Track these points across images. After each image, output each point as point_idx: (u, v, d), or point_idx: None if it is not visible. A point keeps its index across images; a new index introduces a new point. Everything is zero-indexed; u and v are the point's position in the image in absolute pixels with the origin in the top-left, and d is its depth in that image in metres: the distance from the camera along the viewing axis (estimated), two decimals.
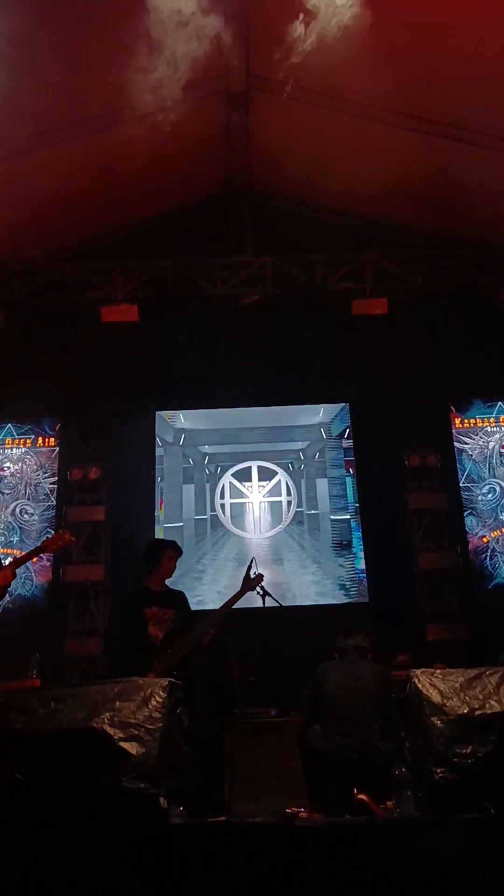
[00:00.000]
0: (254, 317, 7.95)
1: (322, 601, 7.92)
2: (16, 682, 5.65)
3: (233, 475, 8.69)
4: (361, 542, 8.17)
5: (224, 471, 8.67)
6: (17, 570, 7.53)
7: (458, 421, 8.34)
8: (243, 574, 5.03)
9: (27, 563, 7.66)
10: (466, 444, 8.26)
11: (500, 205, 7.00)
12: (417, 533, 7.98)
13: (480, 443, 8.26)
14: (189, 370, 8.06)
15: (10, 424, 8.31)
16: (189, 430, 8.75)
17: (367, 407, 8.29)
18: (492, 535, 7.95)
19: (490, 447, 8.24)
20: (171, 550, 4.99)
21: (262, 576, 4.99)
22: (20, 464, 8.21)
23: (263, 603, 5.22)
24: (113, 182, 7.29)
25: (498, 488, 8.09)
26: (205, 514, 8.47)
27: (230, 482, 8.66)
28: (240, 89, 6.94)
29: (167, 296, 7.86)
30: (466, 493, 8.10)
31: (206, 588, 7.97)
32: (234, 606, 4.84)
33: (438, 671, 3.50)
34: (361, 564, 8.08)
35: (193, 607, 5.18)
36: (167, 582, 4.99)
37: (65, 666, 7.32)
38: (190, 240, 8.24)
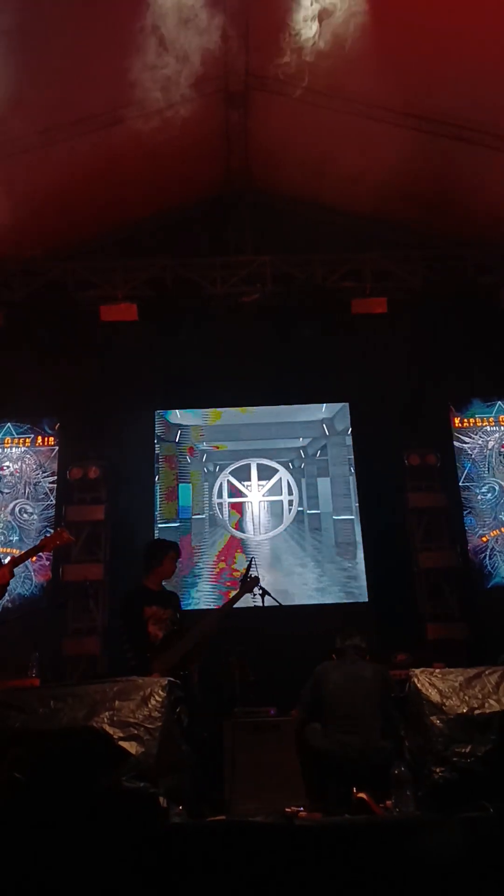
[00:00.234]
0: (253, 316, 7.95)
1: (321, 600, 7.92)
2: (15, 682, 5.65)
3: (231, 473, 8.61)
4: (361, 542, 8.16)
5: (222, 469, 8.58)
6: (17, 570, 7.60)
7: (457, 420, 8.34)
8: (243, 574, 5.04)
9: (27, 563, 7.68)
10: (466, 443, 8.26)
11: (500, 205, 7.00)
12: (417, 532, 7.98)
13: (480, 442, 8.26)
14: (188, 369, 8.06)
15: (9, 424, 8.31)
16: (186, 427, 8.67)
17: (367, 406, 8.29)
18: (491, 534, 7.95)
19: (490, 446, 8.24)
20: (173, 551, 5.01)
21: (259, 578, 4.99)
22: (20, 463, 8.20)
23: (262, 602, 5.23)
24: (113, 182, 7.29)
25: (497, 487, 8.09)
26: (203, 514, 8.39)
27: (228, 480, 8.59)
28: (239, 89, 6.93)
29: (167, 295, 7.87)
30: (466, 492, 8.10)
31: (205, 590, 7.93)
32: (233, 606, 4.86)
33: (438, 670, 3.50)
34: (362, 564, 8.06)
35: (191, 607, 5.19)
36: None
37: (64, 665, 7.33)
38: (189, 239, 8.24)
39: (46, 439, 8.30)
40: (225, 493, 8.61)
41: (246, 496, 8.52)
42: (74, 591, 7.75)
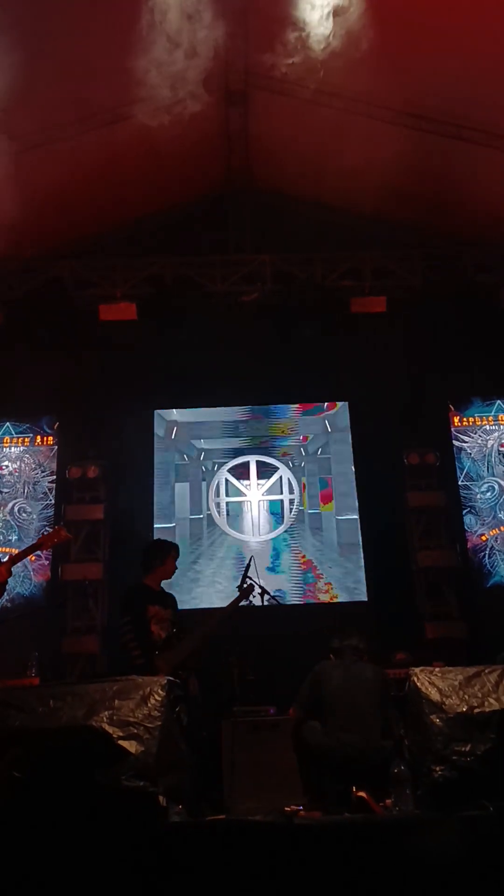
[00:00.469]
0: (253, 315, 7.95)
1: (321, 600, 7.91)
2: (15, 681, 5.65)
3: (229, 471, 8.45)
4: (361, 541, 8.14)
5: (220, 467, 8.41)
6: (16, 569, 7.59)
7: (456, 419, 8.34)
8: (242, 576, 5.06)
9: (26, 562, 7.69)
10: (465, 442, 8.26)
11: (499, 204, 7.00)
12: (416, 531, 7.97)
13: (479, 441, 8.26)
14: (188, 368, 8.05)
15: (8, 423, 8.30)
16: (182, 423, 8.54)
17: (366, 405, 8.29)
18: (490, 533, 7.95)
19: (489, 445, 8.24)
20: (175, 552, 5.03)
21: (254, 585, 5.00)
22: (18, 462, 8.20)
23: (262, 601, 5.23)
24: (113, 180, 7.29)
25: (497, 486, 8.09)
26: (200, 514, 8.27)
27: (226, 479, 8.44)
28: (239, 87, 6.93)
29: (166, 294, 7.86)
30: (465, 491, 8.10)
31: (203, 591, 7.84)
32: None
33: (437, 669, 3.50)
34: (361, 563, 8.05)
35: (190, 607, 5.20)
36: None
37: (64, 664, 7.32)
38: (189, 238, 8.24)
39: (45, 439, 8.29)
40: (223, 492, 8.46)
41: (245, 495, 8.41)
42: (74, 591, 7.75)
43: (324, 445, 8.53)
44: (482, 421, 8.34)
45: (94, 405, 8.07)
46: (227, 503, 8.42)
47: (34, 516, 8.01)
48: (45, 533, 4.79)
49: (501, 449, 8.23)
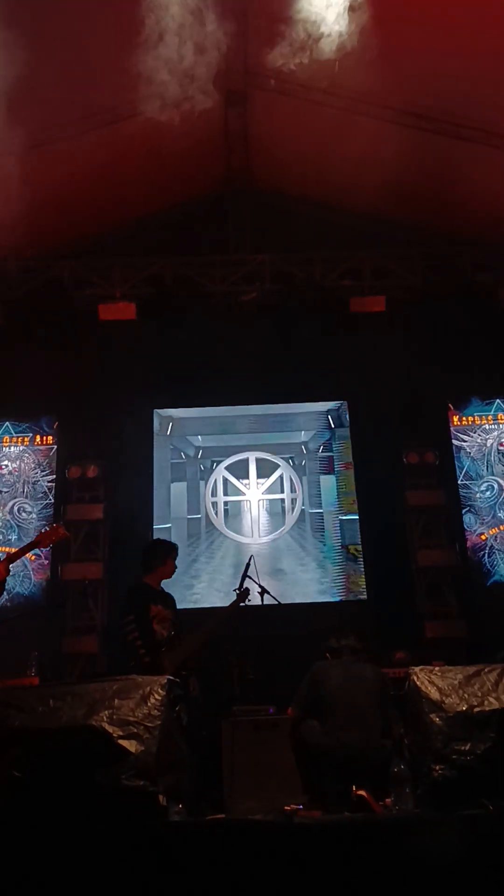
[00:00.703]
0: (252, 315, 7.94)
1: (321, 599, 7.89)
2: (14, 680, 5.65)
3: (227, 469, 8.24)
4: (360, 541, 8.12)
5: (217, 465, 8.21)
6: (15, 569, 7.62)
7: (456, 418, 8.34)
8: (242, 575, 5.07)
9: (25, 562, 7.70)
10: (465, 441, 8.26)
11: (498, 203, 7.00)
12: (416, 530, 7.97)
13: (479, 440, 8.26)
14: (187, 368, 8.05)
15: (7, 422, 8.30)
16: (178, 419, 8.42)
17: (366, 405, 8.28)
18: (490, 532, 7.96)
19: (488, 445, 8.24)
20: (175, 552, 5.05)
21: (249, 590, 5.00)
22: (18, 462, 8.19)
23: (262, 601, 5.23)
24: (113, 180, 7.28)
25: (496, 486, 8.09)
26: (198, 514, 8.15)
27: (223, 477, 8.24)
28: (239, 87, 6.93)
29: (165, 294, 7.86)
30: (465, 490, 8.10)
31: (201, 591, 7.76)
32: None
33: (437, 668, 3.50)
34: (361, 562, 8.03)
35: (189, 607, 5.20)
36: None
37: (63, 664, 7.32)
38: (188, 238, 8.24)
39: (45, 438, 8.29)
40: (220, 491, 8.28)
41: (244, 495, 8.29)
42: (73, 590, 7.75)
43: (326, 443, 8.40)
44: (481, 420, 8.34)
45: (93, 405, 8.06)
46: (225, 503, 8.26)
47: (34, 516, 8.01)
48: (43, 531, 4.78)
49: (501, 448, 8.23)
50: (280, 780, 4.70)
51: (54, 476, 8.13)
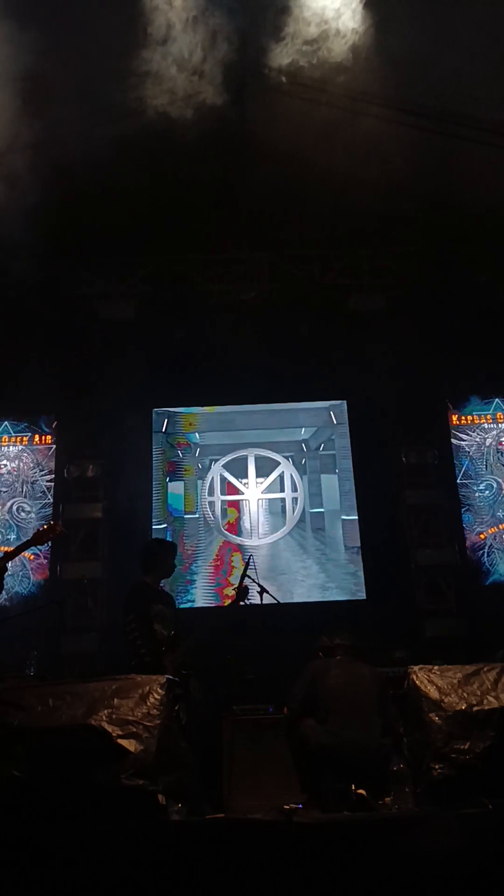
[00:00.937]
0: (251, 313, 7.94)
1: (320, 598, 7.89)
2: (14, 679, 5.64)
3: (224, 467, 8.08)
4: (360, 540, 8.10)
5: (215, 463, 8.05)
6: (15, 568, 7.62)
7: (455, 417, 8.34)
8: (241, 574, 5.07)
9: (25, 561, 7.70)
10: (464, 440, 8.26)
11: (497, 201, 7.00)
12: (415, 529, 7.97)
13: (478, 439, 8.26)
14: (186, 367, 8.05)
15: (6, 422, 8.29)
16: (173, 416, 8.33)
17: (364, 403, 8.28)
18: (489, 531, 7.96)
19: (487, 444, 8.24)
20: (174, 551, 5.08)
21: (248, 588, 5.00)
22: (17, 461, 8.19)
23: (261, 600, 5.23)
24: (112, 178, 7.26)
25: (495, 485, 8.10)
26: (196, 514, 8.06)
27: (221, 475, 8.11)
28: (238, 85, 6.92)
29: (164, 292, 7.85)
30: (464, 489, 8.10)
31: (200, 591, 7.70)
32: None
33: (436, 667, 3.50)
34: (360, 561, 8.01)
35: (187, 606, 5.20)
36: None
37: (63, 663, 7.32)
38: (187, 236, 8.23)
39: (44, 437, 8.28)
40: (217, 490, 8.13)
41: (242, 494, 8.18)
42: (73, 589, 7.74)
43: (327, 441, 8.29)
44: (480, 419, 8.34)
45: (92, 404, 8.06)
46: (223, 502, 8.16)
47: (32, 515, 8.00)
48: (40, 528, 4.78)
49: (500, 447, 8.23)
50: (279, 778, 4.70)
51: (53, 475, 8.12)
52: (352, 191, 7.29)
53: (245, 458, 8.25)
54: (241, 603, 4.97)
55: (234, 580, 5.17)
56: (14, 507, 8.03)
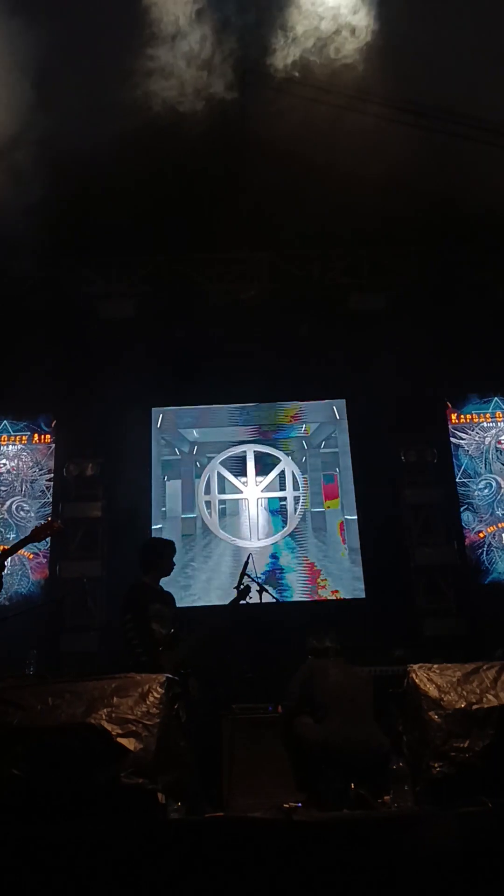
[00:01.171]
0: (251, 312, 7.94)
1: (319, 597, 7.88)
2: (13, 679, 5.64)
3: (222, 464, 7.91)
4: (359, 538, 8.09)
5: (212, 460, 7.88)
6: (14, 567, 7.62)
7: (454, 416, 8.35)
8: (240, 573, 5.07)
9: (24, 560, 7.70)
10: (463, 439, 8.26)
11: (496, 200, 7.00)
12: (414, 528, 7.98)
13: (477, 438, 8.26)
14: (186, 366, 8.05)
15: (5, 421, 8.30)
16: (169, 412, 8.25)
17: (364, 402, 8.29)
18: (488, 530, 7.96)
19: (486, 442, 8.25)
20: (172, 550, 5.06)
21: (249, 588, 5.00)
22: (16, 460, 8.19)
23: (260, 598, 5.23)
24: (111, 177, 7.26)
25: (494, 483, 8.10)
26: (193, 513, 7.97)
27: (218, 472, 7.94)
28: (238, 84, 6.91)
29: (164, 291, 7.85)
30: (463, 488, 8.10)
31: (198, 591, 7.66)
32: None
33: (436, 665, 3.50)
34: (360, 560, 8.01)
35: (186, 605, 5.19)
36: None
37: (62, 662, 7.32)
38: (187, 235, 8.23)
39: (43, 436, 8.28)
40: (214, 489, 7.99)
41: (241, 492, 8.10)
42: (72, 588, 7.74)
43: (329, 437, 8.19)
44: (479, 418, 8.34)
45: (92, 403, 8.06)
46: (220, 501, 8.01)
47: (32, 514, 8.00)
48: (37, 525, 4.78)
49: (499, 446, 8.24)
50: (279, 777, 4.70)
51: (52, 474, 8.12)
52: (352, 190, 7.29)
53: (244, 455, 8.13)
54: (243, 602, 4.97)
55: (233, 581, 5.15)
56: (13, 507, 8.03)
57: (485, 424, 8.32)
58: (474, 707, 3.23)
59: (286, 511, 8.02)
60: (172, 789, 3.02)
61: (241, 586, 4.98)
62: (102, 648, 7.41)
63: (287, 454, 8.14)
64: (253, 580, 5.10)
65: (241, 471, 8.12)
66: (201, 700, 4.68)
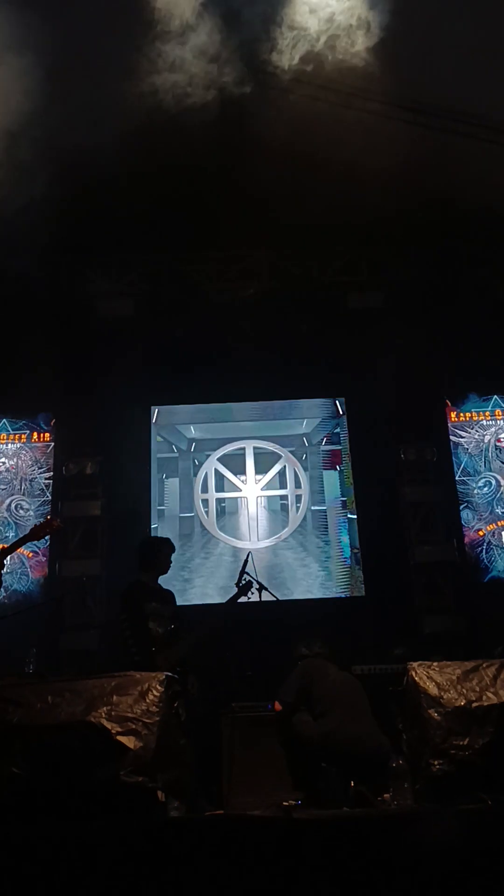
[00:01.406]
0: (250, 311, 7.94)
1: (319, 595, 7.88)
2: (13, 677, 5.64)
3: (219, 461, 7.74)
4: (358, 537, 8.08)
5: (209, 457, 7.70)
6: (13, 566, 7.62)
7: (453, 414, 8.35)
8: (240, 571, 5.07)
9: (23, 559, 7.70)
10: (462, 437, 8.26)
11: (495, 198, 6.99)
12: (413, 526, 7.97)
13: (476, 436, 8.26)
14: (185, 364, 8.04)
15: (4, 420, 8.29)
16: (165, 408, 8.16)
17: (363, 401, 8.28)
18: (487, 528, 7.97)
19: (486, 441, 8.25)
20: (166, 547, 5.04)
21: (251, 583, 5.00)
22: (15, 459, 8.18)
23: (260, 597, 5.23)
24: (112, 176, 7.25)
25: (494, 481, 8.10)
26: (191, 512, 7.86)
27: (216, 470, 7.79)
28: (236, 81, 6.90)
29: (163, 290, 7.85)
30: (462, 486, 8.10)
31: (196, 590, 7.62)
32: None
33: (435, 664, 3.51)
34: (359, 558, 8.01)
35: (185, 604, 5.18)
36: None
37: (61, 660, 7.32)
38: (186, 234, 8.22)
39: (42, 435, 8.27)
40: (211, 487, 7.84)
41: (240, 491, 8.00)
42: (71, 587, 7.74)
43: (330, 434, 8.08)
44: (479, 416, 8.34)
45: (91, 401, 8.05)
46: (218, 500, 7.89)
47: (31, 513, 8.00)
48: (37, 524, 4.78)
49: (498, 444, 8.24)
50: (278, 775, 4.71)
51: (51, 473, 8.12)
52: (351, 188, 7.29)
53: (242, 452, 8.01)
54: (241, 599, 4.98)
55: (232, 582, 5.14)
56: (13, 505, 8.03)
57: (484, 422, 8.32)
58: (474, 705, 3.24)
59: (287, 510, 7.95)
60: (172, 787, 3.03)
61: (242, 583, 4.99)
62: (102, 647, 7.41)
63: (288, 451, 8.04)
64: (253, 578, 5.10)
65: (240, 469, 8.04)
66: (201, 698, 4.68)
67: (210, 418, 8.13)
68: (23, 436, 8.26)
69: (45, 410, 8.30)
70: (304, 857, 2.53)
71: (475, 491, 8.09)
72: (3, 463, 8.16)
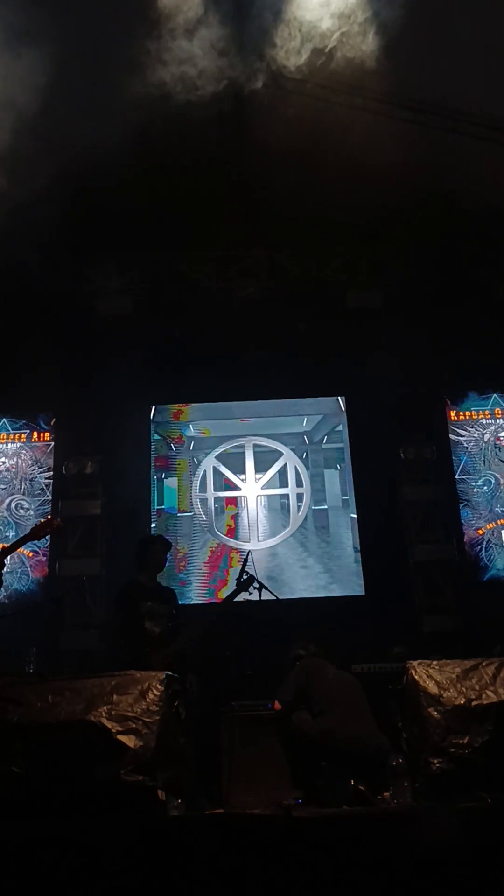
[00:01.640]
0: (249, 309, 7.94)
1: (318, 594, 7.87)
2: (13, 676, 5.64)
3: (218, 458, 7.67)
4: (358, 536, 8.08)
5: (208, 456, 7.65)
6: (13, 565, 7.63)
7: (453, 413, 8.35)
8: (240, 570, 5.07)
9: (23, 558, 7.71)
10: (461, 436, 8.26)
11: (495, 197, 6.99)
12: (412, 525, 7.97)
13: (476, 435, 8.26)
14: (184, 363, 8.05)
15: (4, 419, 8.29)
16: (163, 407, 8.11)
17: (362, 399, 8.28)
18: (487, 527, 7.97)
19: (485, 439, 8.25)
20: (158, 544, 5.04)
21: (253, 578, 5.00)
22: (15, 458, 8.19)
23: (259, 596, 5.23)
24: (112, 174, 7.25)
25: (493, 480, 8.10)
26: (190, 512, 7.84)
27: (214, 468, 7.73)
28: (237, 81, 6.90)
29: (162, 289, 7.85)
30: (462, 485, 8.11)
31: (197, 588, 7.62)
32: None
33: (435, 662, 3.51)
34: (359, 557, 8.01)
35: (184, 603, 5.18)
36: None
37: (61, 660, 7.32)
38: (185, 233, 8.22)
39: (42, 434, 8.28)
40: (210, 486, 7.77)
41: (239, 489, 7.94)
42: (71, 586, 7.75)
43: (331, 432, 8.03)
44: (478, 415, 8.34)
45: (91, 400, 8.05)
46: (216, 499, 7.87)
47: (31, 512, 8.00)
48: (37, 523, 4.78)
49: (498, 442, 8.24)
50: (278, 774, 4.71)
51: (51, 472, 8.12)
52: (351, 187, 7.29)
53: (242, 449, 7.96)
54: (241, 595, 4.97)
55: (232, 582, 5.14)
56: (13, 505, 8.03)
57: (483, 421, 8.32)
58: (473, 703, 3.24)
59: (288, 509, 7.91)
60: (172, 786, 3.03)
61: (243, 578, 4.98)
62: (102, 646, 7.41)
63: (289, 448, 7.96)
64: (253, 577, 5.10)
65: (239, 467, 7.99)
66: (201, 697, 4.69)
67: (210, 416, 8.11)
68: (23, 435, 8.27)
69: (45, 410, 8.30)
70: (303, 856, 2.54)
71: (475, 489, 8.09)
72: (3, 462, 8.16)
